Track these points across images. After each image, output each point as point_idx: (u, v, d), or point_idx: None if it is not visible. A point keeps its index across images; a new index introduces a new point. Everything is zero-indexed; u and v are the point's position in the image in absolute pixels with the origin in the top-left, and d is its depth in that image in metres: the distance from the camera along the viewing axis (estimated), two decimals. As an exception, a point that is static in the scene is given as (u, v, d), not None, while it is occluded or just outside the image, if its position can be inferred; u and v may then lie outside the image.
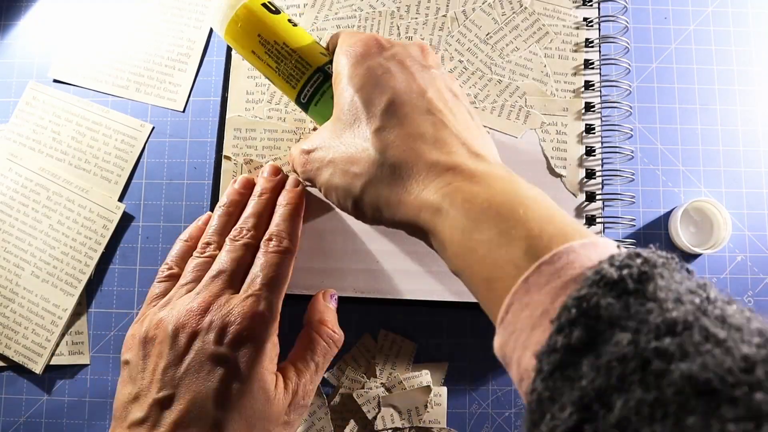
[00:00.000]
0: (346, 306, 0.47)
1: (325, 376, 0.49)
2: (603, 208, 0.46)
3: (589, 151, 0.47)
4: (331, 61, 0.36)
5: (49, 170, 0.51)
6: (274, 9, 0.35)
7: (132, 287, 0.51)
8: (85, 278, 0.50)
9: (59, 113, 0.53)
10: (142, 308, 0.39)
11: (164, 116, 0.53)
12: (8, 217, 0.51)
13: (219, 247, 0.39)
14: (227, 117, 0.48)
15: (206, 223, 0.42)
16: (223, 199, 0.42)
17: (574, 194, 0.46)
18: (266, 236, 0.38)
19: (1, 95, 0.54)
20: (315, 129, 0.48)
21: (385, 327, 0.49)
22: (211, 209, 0.47)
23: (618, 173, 0.47)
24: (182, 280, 0.38)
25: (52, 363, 0.49)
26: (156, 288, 0.39)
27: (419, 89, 0.33)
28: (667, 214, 0.50)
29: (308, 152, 0.36)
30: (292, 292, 0.46)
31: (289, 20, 0.36)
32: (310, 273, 0.46)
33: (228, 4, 0.35)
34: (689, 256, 0.50)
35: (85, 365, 0.50)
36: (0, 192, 0.51)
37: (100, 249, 0.50)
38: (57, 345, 0.49)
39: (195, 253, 0.39)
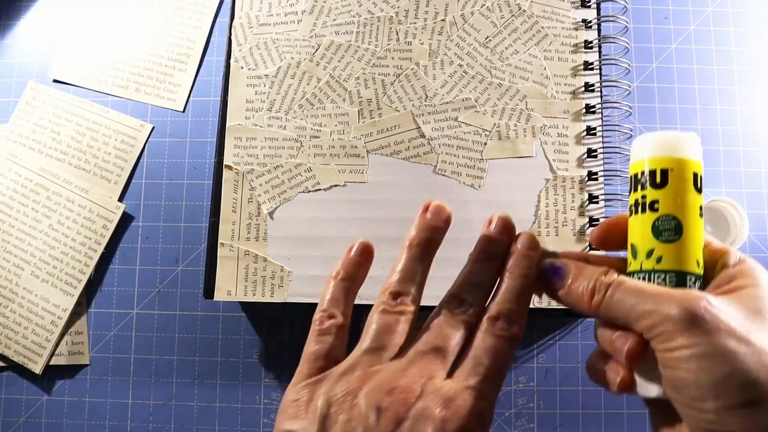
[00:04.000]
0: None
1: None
2: (605, 209, 0.46)
3: (591, 153, 0.47)
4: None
5: (48, 170, 0.51)
6: (699, 187, 0.28)
7: (132, 287, 0.51)
8: (84, 278, 0.50)
9: (59, 113, 0.53)
10: (301, 366, 0.29)
11: (164, 116, 0.53)
12: (8, 217, 0.51)
13: (414, 300, 0.30)
14: (227, 126, 0.48)
15: (362, 255, 0.32)
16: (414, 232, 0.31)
17: (574, 195, 0.46)
18: (493, 313, 0.29)
19: (1, 95, 0.53)
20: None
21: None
22: (211, 211, 0.47)
23: (618, 174, 0.47)
24: (367, 343, 0.29)
25: (51, 363, 0.49)
26: (316, 343, 0.29)
27: None
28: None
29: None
30: (296, 300, 0.45)
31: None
32: (316, 281, 0.46)
33: (676, 143, 0.27)
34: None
35: (85, 365, 0.50)
36: (0, 192, 0.51)
37: (100, 249, 0.50)
38: (57, 345, 0.49)
39: (381, 307, 0.30)
